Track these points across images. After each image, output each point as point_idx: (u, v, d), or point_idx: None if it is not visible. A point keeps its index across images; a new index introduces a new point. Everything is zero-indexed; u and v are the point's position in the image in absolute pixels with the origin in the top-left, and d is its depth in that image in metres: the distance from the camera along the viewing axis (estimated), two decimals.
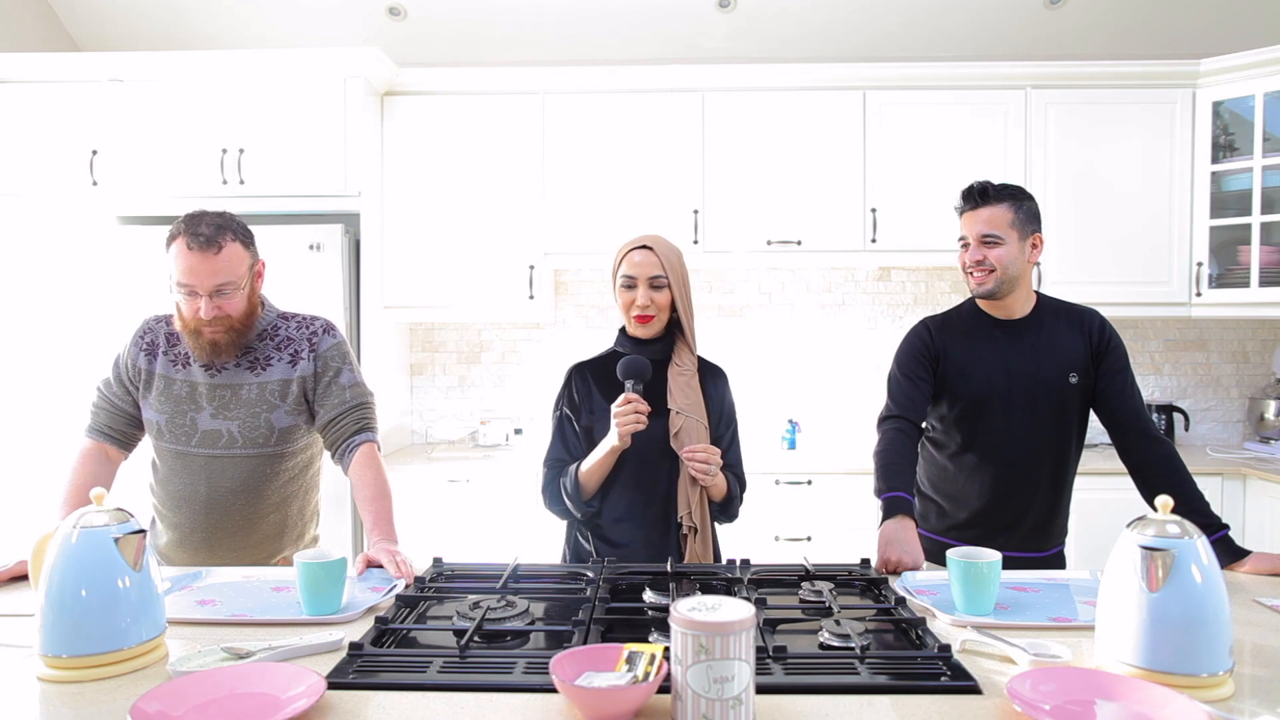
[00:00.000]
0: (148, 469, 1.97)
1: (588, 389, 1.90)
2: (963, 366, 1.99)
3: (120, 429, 1.93)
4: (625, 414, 1.71)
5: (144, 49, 3.71)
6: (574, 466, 1.85)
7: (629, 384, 1.74)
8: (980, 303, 2.01)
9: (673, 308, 1.85)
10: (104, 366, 1.98)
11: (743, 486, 1.94)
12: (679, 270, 1.84)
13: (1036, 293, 2.03)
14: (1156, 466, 1.88)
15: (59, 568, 1.18)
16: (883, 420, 2.00)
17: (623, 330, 1.93)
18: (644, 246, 1.82)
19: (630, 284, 1.82)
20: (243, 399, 1.87)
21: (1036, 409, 1.95)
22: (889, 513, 1.80)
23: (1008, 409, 1.96)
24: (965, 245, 1.97)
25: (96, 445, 1.92)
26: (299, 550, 1.97)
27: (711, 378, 1.94)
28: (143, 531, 1.23)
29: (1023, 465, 1.97)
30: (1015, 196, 1.94)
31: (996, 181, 1.98)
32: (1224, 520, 1.79)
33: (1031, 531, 1.99)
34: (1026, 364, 1.96)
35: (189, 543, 1.90)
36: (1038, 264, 2.00)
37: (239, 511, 1.89)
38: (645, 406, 1.72)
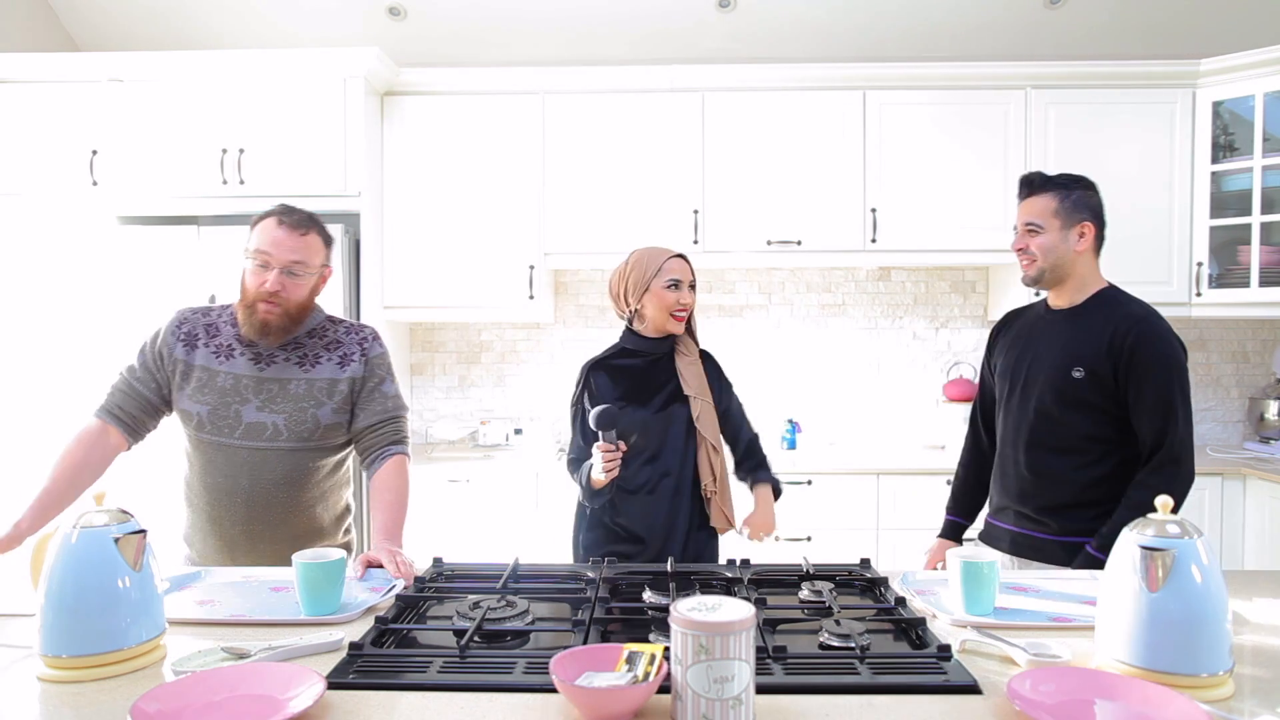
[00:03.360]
0: (174, 466, 1.94)
1: (606, 388, 2.09)
2: (1004, 353, 2.11)
3: (131, 413, 1.88)
4: (604, 463, 1.91)
5: (144, 49, 3.71)
6: (588, 467, 2.01)
7: (603, 435, 1.90)
8: (1048, 292, 2.06)
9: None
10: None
11: (761, 445, 2.25)
12: None
13: (1111, 284, 2.00)
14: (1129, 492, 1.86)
15: (59, 568, 1.18)
16: (969, 419, 2.25)
17: (629, 328, 2.14)
18: (681, 255, 2.10)
19: (677, 285, 2.07)
20: (290, 393, 1.88)
21: (1032, 394, 1.98)
22: (940, 532, 2.21)
23: (1017, 390, 2.03)
24: (1016, 232, 2.03)
25: (101, 426, 1.87)
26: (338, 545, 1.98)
27: (718, 380, 2.20)
28: (143, 531, 1.23)
29: (1019, 448, 2.00)
30: (1064, 186, 1.95)
31: (1054, 171, 2.02)
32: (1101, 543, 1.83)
33: (1047, 515, 1.96)
34: (1045, 353, 1.97)
35: (227, 536, 1.87)
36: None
37: (280, 504, 1.88)
38: (616, 454, 1.92)
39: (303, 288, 1.87)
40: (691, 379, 2.09)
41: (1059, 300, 2.01)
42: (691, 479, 2.08)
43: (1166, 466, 1.83)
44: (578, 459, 2.10)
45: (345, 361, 1.94)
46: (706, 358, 2.19)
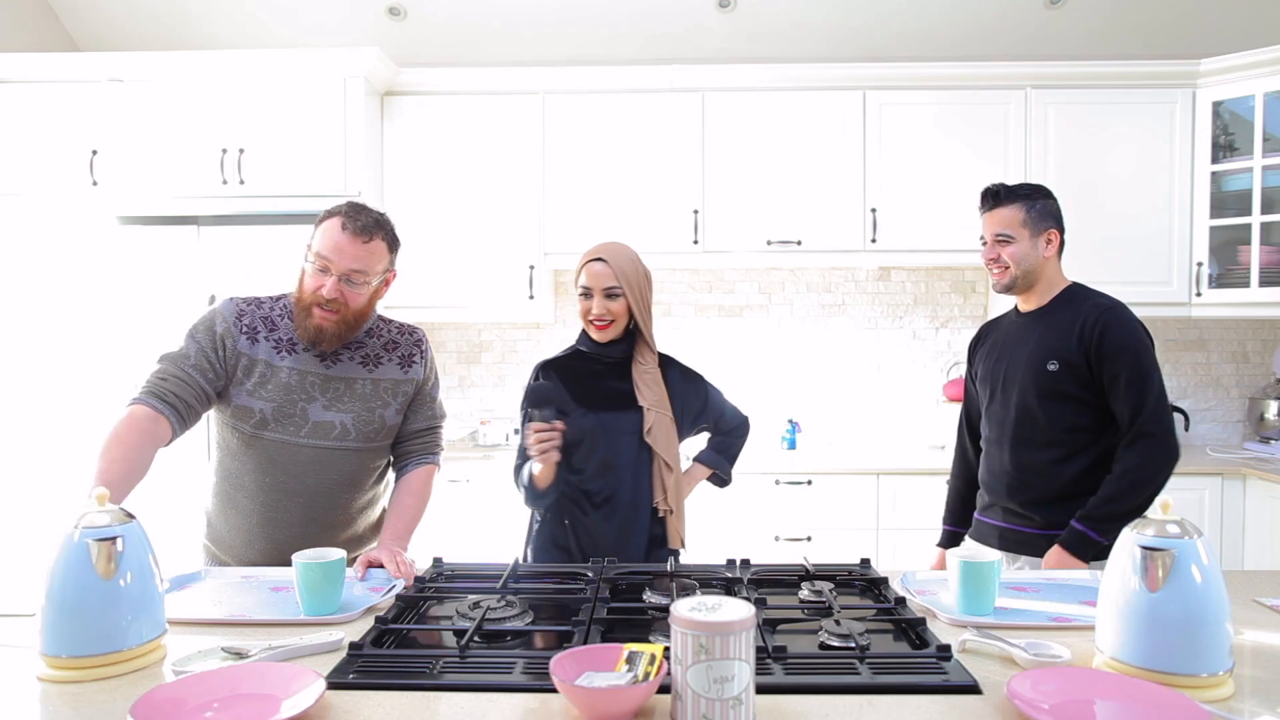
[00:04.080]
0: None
1: (555, 385, 1.98)
2: (982, 361, 2.18)
3: (188, 402, 1.71)
4: (534, 444, 1.80)
5: (144, 49, 3.71)
6: (528, 468, 1.92)
7: (535, 413, 1.80)
8: (1017, 298, 2.13)
9: (630, 313, 1.93)
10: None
11: (743, 433, 2.14)
12: (635, 278, 1.93)
13: (1074, 283, 2.09)
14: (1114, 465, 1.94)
15: (60, 568, 1.18)
16: (957, 431, 2.30)
17: (584, 330, 2.00)
18: (599, 259, 1.91)
19: (587, 293, 1.91)
20: (358, 393, 1.84)
21: (1013, 394, 2.05)
22: (938, 541, 2.28)
23: (998, 394, 2.09)
24: (984, 243, 2.09)
25: (152, 415, 1.66)
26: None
27: (684, 379, 2.05)
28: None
29: (1003, 446, 2.07)
30: (1028, 197, 2.04)
31: (1014, 182, 2.09)
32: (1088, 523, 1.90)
33: (1033, 509, 2.01)
34: (1020, 353, 2.06)
35: (279, 539, 1.80)
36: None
37: (340, 506, 1.85)
38: (550, 434, 1.80)
39: (362, 296, 1.79)
40: (646, 389, 1.95)
41: (1028, 304, 2.10)
42: (647, 496, 1.95)
43: (1141, 439, 1.91)
44: (525, 462, 1.96)
45: (406, 363, 1.91)
46: (669, 364, 2.05)
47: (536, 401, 1.81)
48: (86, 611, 1.17)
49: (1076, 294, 2.06)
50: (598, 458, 1.93)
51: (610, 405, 1.95)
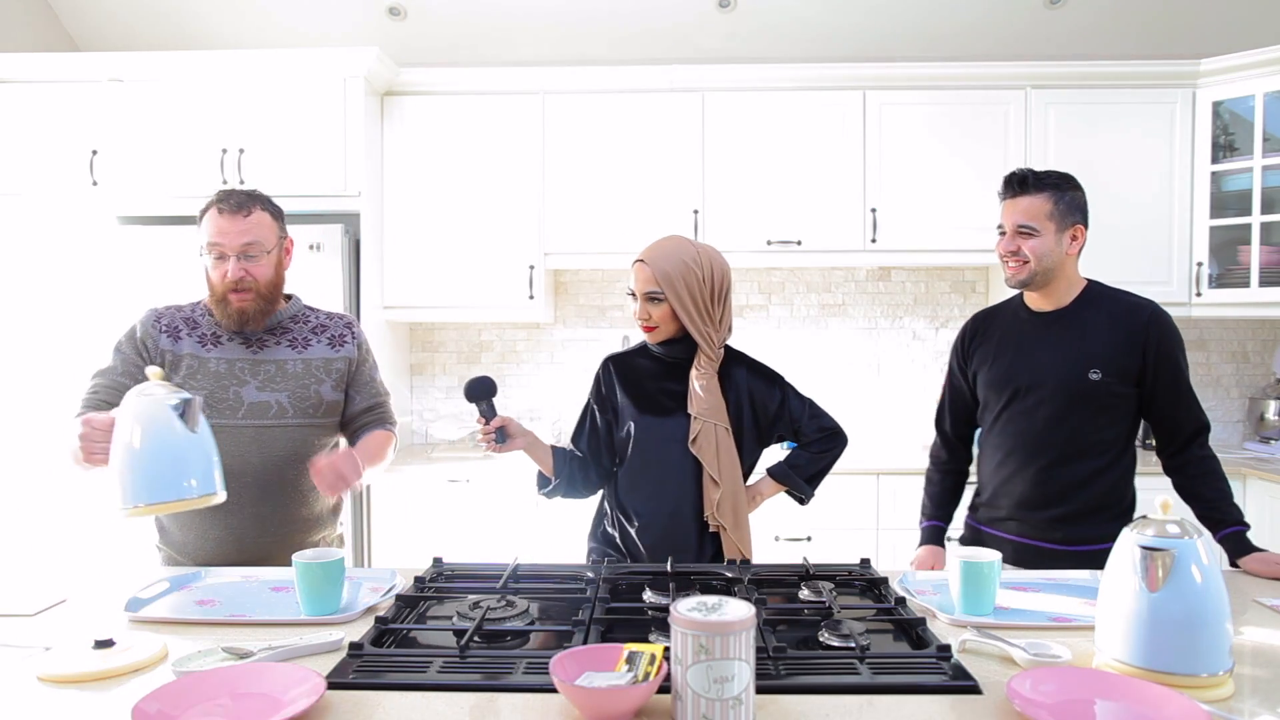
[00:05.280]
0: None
1: (611, 384, 1.96)
2: (989, 360, 1.99)
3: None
4: (481, 437, 1.88)
5: (144, 49, 3.70)
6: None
7: (478, 407, 1.85)
8: (1025, 293, 1.98)
9: (677, 315, 1.85)
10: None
11: (830, 446, 2.00)
12: (681, 280, 1.82)
13: (1090, 281, 1.95)
14: (1189, 469, 1.88)
15: (129, 425, 1.37)
16: (935, 424, 2.18)
17: None
18: (640, 260, 1.86)
19: (633, 295, 1.88)
20: (289, 372, 1.90)
21: (1039, 404, 1.89)
22: (922, 539, 2.07)
23: (1020, 402, 1.92)
24: (1003, 233, 1.92)
25: None
26: (328, 540, 2.01)
27: (754, 377, 1.99)
28: (198, 397, 1.44)
29: (1029, 459, 1.91)
30: (1057, 186, 1.87)
31: (1041, 169, 1.92)
32: (1243, 519, 1.80)
33: (1058, 526, 1.90)
34: (1048, 360, 1.90)
35: (232, 524, 1.83)
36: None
37: (290, 484, 1.88)
38: (487, 429, 1.85)
39: (266, 266, 1.87)
40: (700, 396, 1.85)
41: (1044, 302, 1.94)
42: (694, 507, 1.87)
43: (1205, 432, 1.89)
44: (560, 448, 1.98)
45: (336, 343, 1.97)
46: (739, 361, 1.98)
47: (471, 395, 1.84)
48: (185, 460, 1.40)
49: (1103, 293, 1.93)
50: (639, 461, 1.89)
51: (657, 408, 1.90)
